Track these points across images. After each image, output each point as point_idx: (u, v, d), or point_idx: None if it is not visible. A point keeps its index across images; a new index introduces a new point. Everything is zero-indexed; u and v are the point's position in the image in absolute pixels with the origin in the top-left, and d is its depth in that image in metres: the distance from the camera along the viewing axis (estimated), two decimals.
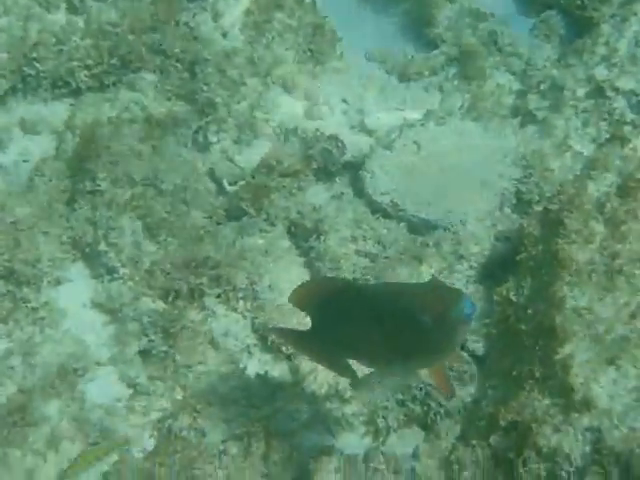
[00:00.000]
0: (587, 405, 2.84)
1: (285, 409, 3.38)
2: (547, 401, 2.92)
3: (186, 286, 3.55)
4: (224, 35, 4.08)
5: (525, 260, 3.32)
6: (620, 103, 3.59)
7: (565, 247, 3.12)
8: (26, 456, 3.21)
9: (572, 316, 2.98)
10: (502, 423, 2.94)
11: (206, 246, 3.63)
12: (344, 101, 3.99)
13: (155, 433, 3.36)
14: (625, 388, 2.86)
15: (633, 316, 2.95)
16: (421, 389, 3.30)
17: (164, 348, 3.47)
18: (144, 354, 3.51)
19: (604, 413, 2.83)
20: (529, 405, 2.93)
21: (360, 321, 2.34)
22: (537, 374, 2.99)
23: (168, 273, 3.57)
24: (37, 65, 3.94)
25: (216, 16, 4.10)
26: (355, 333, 2.41)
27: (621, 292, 3.00)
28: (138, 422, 3.40)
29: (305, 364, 3.44)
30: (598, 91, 3.66)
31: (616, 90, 3.61)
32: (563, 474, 2.84)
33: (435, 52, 4.06)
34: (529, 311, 3.16)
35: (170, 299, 3.55)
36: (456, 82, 4.00)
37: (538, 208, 3.35)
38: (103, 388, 3.47)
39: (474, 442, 2.97)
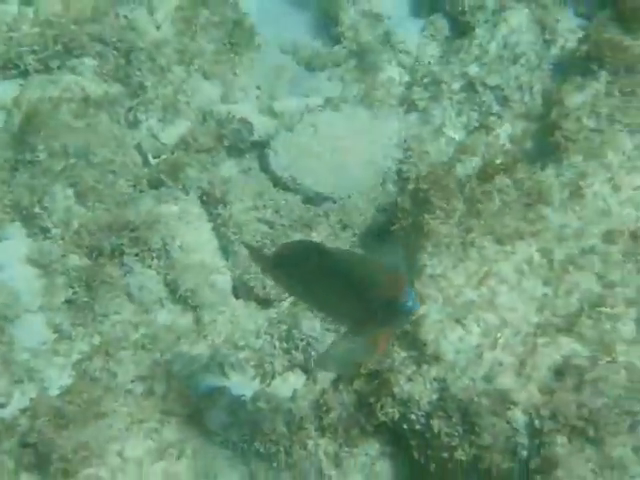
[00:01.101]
0: (436, 358, 2.81)
1: (187, 354, 3.34)
2: (404, 354, 2.88)
3: (109, 246, 3.50)
4: (157, 27, 3.99)
5: (398, 230, 3.27)
6: (488, 97, 3.55)
7: (429, 221, 3.08)
8: None
9: (428, 281, 2.94)
10: (364, 372, 2.91)
11: (128, 211, 3.57)
12: (258, 88, 3.92)
13: (74, 373, 3.30)
14: (469, 344, 2.83)
15: (480, 282, 2.92)
16: (302, 339, 3.26)
17: (86, 299, 3.42)
18: (69, 303, 3.45)
19: (450, 366, 2.80)
20: (388, 357, 2.89)
21: (323, 277, 2.26)
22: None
23: (93, 234, 3.52)
24: None
25: (151, 10, 4.02)
26: (316, 285, 2.32)
27: (472, 262, 2.96)
28: (60, 363, 3.35)
29: (207, 315, 3.42)
30: (470, 86, 3.62)
31: (485, 85, 3.57)
32: (413, 417, 2.81)
33: (338, 47, 4.00)
34: None
35: (94, 257, 3.50)
36: (354, 74, 3.94)
37: (411, 186, 3.29)
38: (31, 333, 3.41)
39: (340, 387, 2.92)
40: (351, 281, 2.13)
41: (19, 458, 2.94)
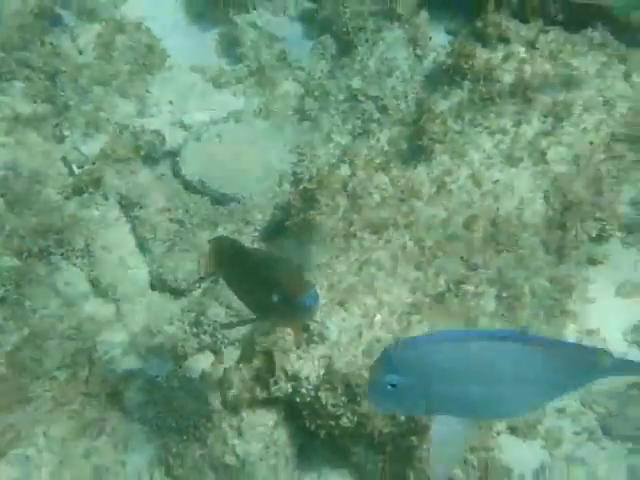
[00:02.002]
0: (322, 338, 2.79)
1: (108, 342, 3.27)
2: None
3: (37, 247, 3.41)
4: (80, 52, 3.91)
5: (291, 226, 3.24)
6: (369, 106, 3.53)
7: (316, 217, 3.05)
8: None
9: (315, 270, 2.92)
10: (259, 350, 2.87)
11: (54, 216, 3.49)
12: (170, 103, 3.85)
13: (4, 362, 3.21)
14: (351, 325, 2.81)
15: (360, 269, 2.90)
16: (210, 325, 3.22)
17: (16, 296, 3.33)
18: (1, 300, 3.36)
19: (334, 344, 2.78)
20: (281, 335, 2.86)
21: (244, 275, 2.22)
22: None
23: (23, 237, 3.42)
24: None
25: (74, 37, 3.93)
26: (239, 281, 2.28)
27: (353, 251, 2.94)
28: None
29: (126, 306, 3.36)
30: (354, 97, 3.59)
31: (366, 96, 3.55)
32: (303, 390, 2.78)
33: (241, 65, 3.95)
34: None
35: (24, 257, 3.41)
36: (255, 89, 3.89)
37: (302, 186, 3.27)
38: None
39: (241, 365, 2.88)
40: (262, 279, 2.10)
41: None
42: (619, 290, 3.19)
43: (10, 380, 3.01)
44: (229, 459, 2.84)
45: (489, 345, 1.89)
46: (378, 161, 3.16)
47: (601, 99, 3.25)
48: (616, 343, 3.14)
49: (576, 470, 2.92)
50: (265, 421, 2.83)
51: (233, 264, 2.25)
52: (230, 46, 4.00)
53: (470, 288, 2.85)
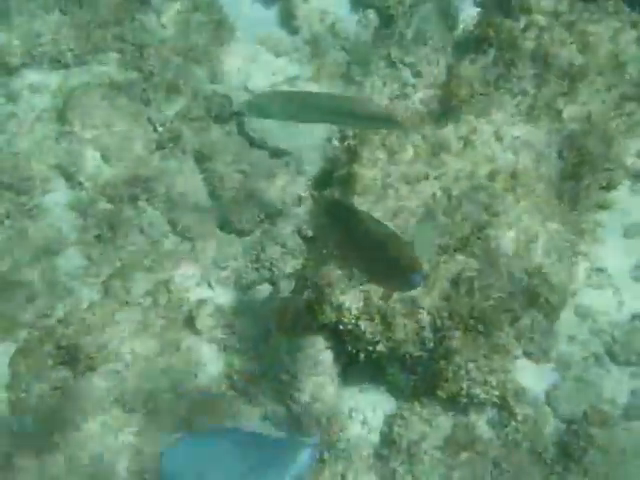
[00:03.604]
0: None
1: (183, 273, 3.10)
2: (339, 272, 2.63)
3: (126, 194, 3.23)
4: (163, 27, 3.68)
5: (337, 177, 2.99)
6: (406, 72, 3.23)
7: (358, 169, 2.80)
8: None
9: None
10: (310, 283, 2.67)
11: (140, 167, 3.30)
12: (237, 70, 3.60)
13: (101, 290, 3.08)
14: None
15: (395, 215, 2.65)
16: (268, 261, 3.02)
17: (110, 234, 3.15)
18: (98, 238, 3.18)
19: None
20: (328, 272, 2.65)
21: (359, 236, 1.99)
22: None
23: (116, 185, 3.24)
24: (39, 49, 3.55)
25: (158, 14, 3.69)
26: (351, 242, 2.05)
27: (390, 199, 2.69)
28: (91, 282, 3.11)
29: (199, 244, 3.16)
30: (393, 64, 3.29)
31: (403, 63, 3.24)
32: (345, 320, 2.58)
33: (296, 37, 3.66)
34: None
35: (116, 202, 3.23)
36: (309, 57, 3.61)
37: (346, 142, 3.01)
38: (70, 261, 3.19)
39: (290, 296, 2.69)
40: (383, 247, 1.88)
41: (56, 357, 2.75)
42: (627, 232, 2.91)
43: (104, 306, 2.88)
44: (283, 376, 2.68)
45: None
46: (413, 121, 2.89)
47: (614, 62, 2.91)
48: (623, 279, 2.87)
49: (584, 390, 2.69)
50: (313, 344, 2.65)
51: (348, 228, 1.98)
52: (288, 19, 3.72)
53: (491, 232, 2.59)
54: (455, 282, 2.51)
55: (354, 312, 2.54)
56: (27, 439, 2.67)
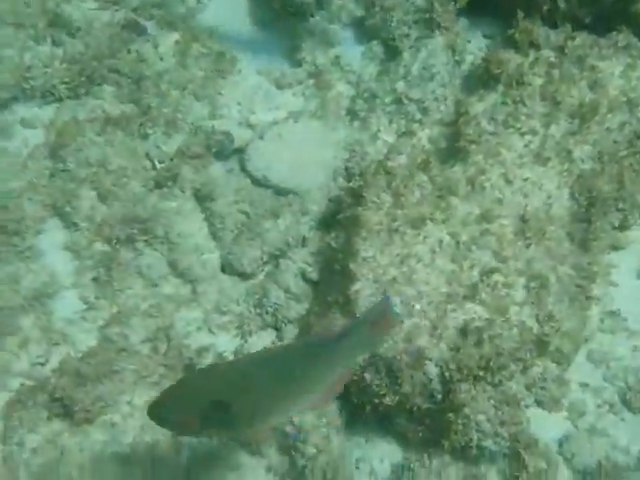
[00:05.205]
0: None
1: (184, 318, 3.13)
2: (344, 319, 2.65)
3: (124, 235, 3.26)
4: (160, 59, 3.71)
5: (342, 220, 3.01)
6: (412, 108, 3.25)
7: (363, 212, 2.82)
8: None
9: (362, 263, 2.70)
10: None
11: (138, 207, 3.32)
12: (239, 104, 3.64)
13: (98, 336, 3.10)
14: None
15: (402, 262, 2.67)
16: (271, 306, 3.03)
17: (106, 277, 3.19)
18: (95, 281, 3.22)
19: None
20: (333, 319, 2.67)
21: None
22: (340, 300, 2.72)
23: (112, 226, 3.28)
24: (30, 82, 3.58)
25: (155, 45, 3.72)
26: None
27: (396, 246, 2.70)
28: (88, 328, 3.14)
29: (200, 287, 3.19)
30: (398, 99, 3.31)
31: (409, 99, 3.26)
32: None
33: (299, 69, 3.69)
34: (340, 255, 2.88)
35: (113, 243, 3.26)
36: (312, 90, 3.65)
37: (351, 184, 3.04)
38: (66, 305, 3.20)
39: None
40: None
41: (51, 409, 2.76)
42: None
43: (100, 354, 2.89)
44: (288, 427, 2.69)
45: None
46: (419, 161, 2.91)
47: (625, 99, 2.93)
48: (637, 323, 2.88)
49: (598, 440, 2.69)
50: None
51: None
52: (291, 51, 3.74)
53: (501, 279, 2.60)
54: (464, 332, 2.53)
55: (359, 362, 2.56)
56: None
